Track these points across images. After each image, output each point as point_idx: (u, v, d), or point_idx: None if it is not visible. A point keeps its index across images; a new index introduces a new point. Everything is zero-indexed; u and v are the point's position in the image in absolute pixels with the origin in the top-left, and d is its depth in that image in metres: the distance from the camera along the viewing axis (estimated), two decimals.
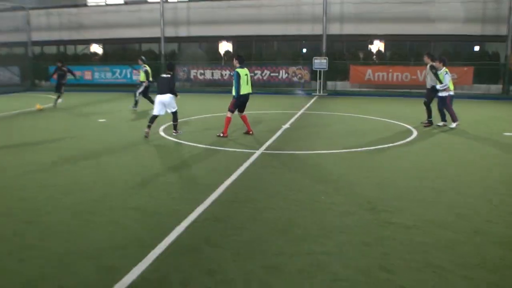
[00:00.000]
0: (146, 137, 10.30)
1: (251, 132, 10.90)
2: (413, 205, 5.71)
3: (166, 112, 10.61)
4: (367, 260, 4.11)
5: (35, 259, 4.14)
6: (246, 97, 10.70)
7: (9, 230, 4.87)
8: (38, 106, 16.10)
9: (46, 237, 4.67)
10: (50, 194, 6.16)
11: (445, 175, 7.18)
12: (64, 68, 17.84)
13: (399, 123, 12.77)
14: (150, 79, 15.64)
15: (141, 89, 15.85)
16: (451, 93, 11.99)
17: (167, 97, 10.46)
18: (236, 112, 10.67)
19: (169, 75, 10.58)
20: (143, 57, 16.15)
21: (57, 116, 14.97)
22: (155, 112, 10.52)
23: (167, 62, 16.43)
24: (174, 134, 10.76)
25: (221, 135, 10.50)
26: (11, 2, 30.18)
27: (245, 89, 10.54)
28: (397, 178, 7.04)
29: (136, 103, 16.25)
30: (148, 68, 15.79)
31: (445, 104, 11.97)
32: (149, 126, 10.39)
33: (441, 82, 11.81)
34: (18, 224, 5.04)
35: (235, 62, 10.55)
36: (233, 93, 10.44)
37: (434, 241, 4.55)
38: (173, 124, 10.85)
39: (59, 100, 17.38)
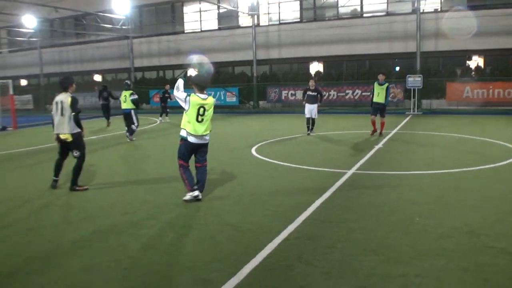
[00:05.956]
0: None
1: (379, 132, 14.03)
2: None
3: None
4: (465, 286, 3.94)
5: (138, 269, 4.46)
6: (377, 104, 13.93)
7: (115, 241, 5.29)
8: None
9: (147, 248, 5.01)
10: (148, 208, 6.59)
11: None
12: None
13: (501, 142, 12.02)
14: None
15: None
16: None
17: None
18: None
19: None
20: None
21: (157, 135, 15.91)
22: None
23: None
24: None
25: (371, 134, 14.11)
26: (117, 32, 32.73)
27: (375, 98, 14.01)
28: (497, 200, 6.65)
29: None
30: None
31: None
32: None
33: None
34: (122, 236, 5.45)
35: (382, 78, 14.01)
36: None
37: None
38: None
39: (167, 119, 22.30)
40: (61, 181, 8.10)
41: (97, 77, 36.53)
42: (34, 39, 35.48)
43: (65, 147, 7.79)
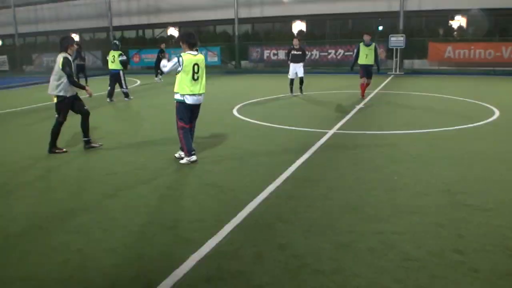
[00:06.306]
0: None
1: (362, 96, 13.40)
2: (492, 187, 5.48)
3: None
4: (440, 242, 4.04)
5: (118, 230, 4.45)
6: (366, 66, 13.17)
7: (95, 202, 5.28)
8: None
9: (128, 209, 5.01)
10: (130, 169, 6.56)
11: None
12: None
13: (481, 102, 12.15)
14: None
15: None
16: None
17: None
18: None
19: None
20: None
21: (143, 95, 15.73)
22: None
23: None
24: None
25: (361, 97, 13.34)
26: None
27: (363, 60, 13.15)
28: (474, 159, 6.78)
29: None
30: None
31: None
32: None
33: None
34: (103, 198, 5.43)
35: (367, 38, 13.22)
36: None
37: None
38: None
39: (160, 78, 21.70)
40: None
41: (74, 37, 35.52)
42: None
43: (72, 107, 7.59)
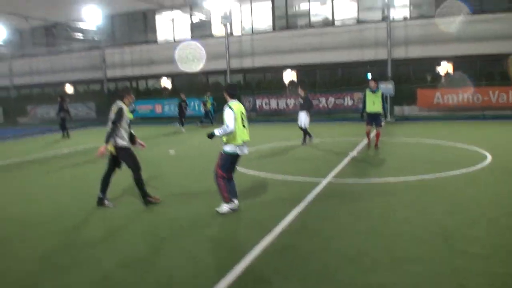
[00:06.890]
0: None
1: (374, 144, 12.81)
2: (489, 233, 5.48)
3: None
4: None
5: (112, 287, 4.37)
6: (373, 113, 12.55)
7: (89, 255, 5.19)
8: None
9: (123, 265, 4.92)
10: (123, 223, 6.48)
11: None
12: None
13: (471, 147, 12.28)
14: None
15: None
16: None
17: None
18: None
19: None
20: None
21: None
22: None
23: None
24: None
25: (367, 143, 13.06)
26: (88, 42, 32.32)
27: (370, 108, 12.53)
28: (469, 204, 6.78)
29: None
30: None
31: None
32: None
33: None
34: (97, 251, 5.34)
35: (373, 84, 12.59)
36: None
37: None
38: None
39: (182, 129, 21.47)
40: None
41: (68, 88, 35.88)
42: (3, 50, 34.76)
43: (113, 160, 7.36)
